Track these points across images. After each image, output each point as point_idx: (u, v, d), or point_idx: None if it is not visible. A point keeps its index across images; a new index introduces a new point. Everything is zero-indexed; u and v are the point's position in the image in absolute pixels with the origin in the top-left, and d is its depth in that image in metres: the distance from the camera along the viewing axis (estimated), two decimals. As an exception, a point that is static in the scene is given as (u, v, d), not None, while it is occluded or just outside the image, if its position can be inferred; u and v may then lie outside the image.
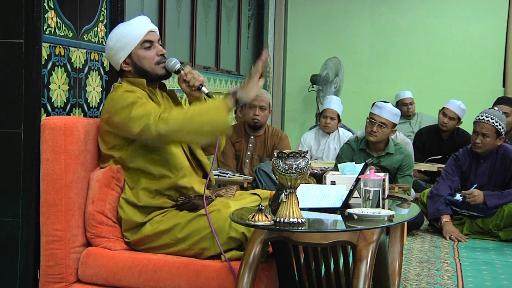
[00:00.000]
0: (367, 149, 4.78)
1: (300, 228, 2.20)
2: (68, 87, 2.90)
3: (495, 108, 5.08)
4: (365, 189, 2.47)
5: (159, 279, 2.59)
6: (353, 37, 7.77)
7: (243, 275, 2.35)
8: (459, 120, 6.02)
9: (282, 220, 2.21)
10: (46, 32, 2.72)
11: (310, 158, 5.61)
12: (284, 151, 2.22)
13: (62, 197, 2.64)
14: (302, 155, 2.22)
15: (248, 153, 4.91)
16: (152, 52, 2.80)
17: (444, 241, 4.64)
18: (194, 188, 2.75)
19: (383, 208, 2.55)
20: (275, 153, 2.23)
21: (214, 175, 4.47)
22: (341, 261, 2.79)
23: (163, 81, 2.92)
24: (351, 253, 2.59)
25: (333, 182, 3.03)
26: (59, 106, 2.84)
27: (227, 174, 4.61)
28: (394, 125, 4.70)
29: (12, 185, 2.66)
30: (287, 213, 2.22)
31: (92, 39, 3.07)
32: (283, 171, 2.20)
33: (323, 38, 7.82)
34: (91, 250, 2.71)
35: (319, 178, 4.60)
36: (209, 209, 2.65)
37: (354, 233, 2.36)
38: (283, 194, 2.24)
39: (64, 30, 2.85)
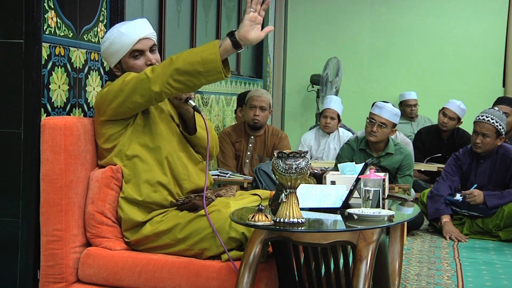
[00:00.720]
0: (367, 149, 4.78)
1: (300, 228, 2.20)
2: (68, 87, 2.90)
3: (495, 108, 5.08)
4: (365, 189, 2.47)
5: (159, 279, 2.59)
6: (353, 37, 7.77)
7: (243, 275, 2.35)
8: (459, 120, 6.02)
9: (282, 220, 2.21)
10: (46, 32, 2.72)
11: (310, 158, 5.61)
12: (284, 151, 2.21)
13: (62, 197, 2.64)
14: (302, 155, 2.22)
15: (248, 153, 4.91)
16: (141, 61, 2.78)
17: (444, 241, 4.64)
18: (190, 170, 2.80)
19: (383, 208, 2.55)
20: (275, 153, 2.23)
21: (214, 175, 4.47)
22: (341, 261, 2.79)
23: None
24: (351, 253, 2.59)
25: (333, 182, 3.03)
26: (59, 106, 2.84)
27: (227, 174, 4.61)
28: (394, 125, 4.70)
29: (12, 185, 2.66)
30: (287, 213, 2.22)
31: (92, 39, 3.07)
32: (283, 171, 2.20)
33: (323, 38, 7.82)
34: (91, 250, 2.71)
35: (319, 178, 4.60)
36: (209, 209, 2.65)
37: (354, 233, 2.36)
38: (283, 194, 2.24)
39: (64, 30, 2.85)
